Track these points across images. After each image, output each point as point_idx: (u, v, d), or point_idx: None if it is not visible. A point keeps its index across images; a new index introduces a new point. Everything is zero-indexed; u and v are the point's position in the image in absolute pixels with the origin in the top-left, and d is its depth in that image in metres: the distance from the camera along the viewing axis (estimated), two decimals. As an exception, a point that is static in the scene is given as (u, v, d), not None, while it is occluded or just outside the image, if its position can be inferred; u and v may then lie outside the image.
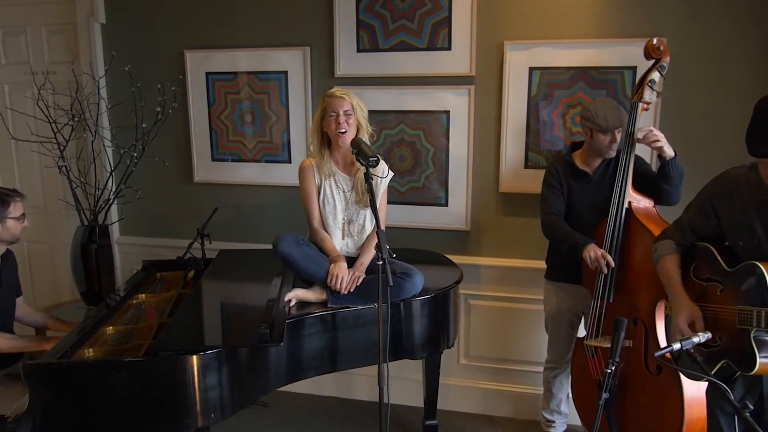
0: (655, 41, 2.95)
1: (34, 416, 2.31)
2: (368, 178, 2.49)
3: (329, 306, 2.89)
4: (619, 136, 2.99)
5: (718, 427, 2.36)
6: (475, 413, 3.94)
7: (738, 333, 2.18)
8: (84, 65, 4.09)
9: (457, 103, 3.64)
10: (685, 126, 3.35)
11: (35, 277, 4.71)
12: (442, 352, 3.29)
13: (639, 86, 2.99)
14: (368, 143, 2.86)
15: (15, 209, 2.93)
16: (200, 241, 3.55)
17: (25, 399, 2.33)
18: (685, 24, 3.29)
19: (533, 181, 3.43)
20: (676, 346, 2.03)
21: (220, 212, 3.78)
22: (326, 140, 3.10)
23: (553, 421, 3.52)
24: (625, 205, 2.93)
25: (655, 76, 2.97)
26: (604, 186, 3.06)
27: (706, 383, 2.49)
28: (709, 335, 2.10)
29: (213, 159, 4.11)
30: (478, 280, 3.79)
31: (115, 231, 4.31)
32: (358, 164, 2.94)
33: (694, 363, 2.09)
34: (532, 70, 3.50)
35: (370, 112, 3.36)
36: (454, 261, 3.55)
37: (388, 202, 3.43)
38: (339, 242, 3.12)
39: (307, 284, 3.00)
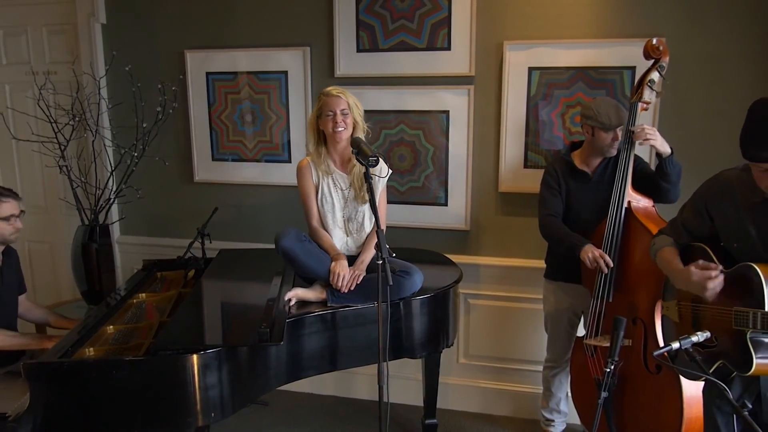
0: (654, 41, 2.96)
1: (35, 415, 2.32)
2: (368, 177, 2.50)
3: (329, 305, 2.89)
4: (620, 135, 3.00)
5: (715, 426, 2.36)
6: (474, 412, 3.95)
7: (734, 334, 2.18)
8: (85, 65, 4.10)
9: (456, 103, 3.65)
10: (684, 126, 3.36)
11: (36, 277, 4.72)
12: (441, 351, 3.29)
13: (638, 86, 3.00)
14: (367, 143, 2.87)
15: (2, 209, 2.88)
16: (200, 241, 3.56)
17: (25, 398, 2.33)
18: (684, 24, 3.29)
19: (532, 181, 3.44)
20: (675, 345, 2.03)
21: (221, 212, 3.79)
22: (322, 138, 3.11)
23: (553, 420, 3.53)
24: (625, 205, 2.93)
25: (655, 76, 2.97)
26: (603, 185, 3.07)
27: (703, 382, 2.49)
28: (708, 334, 2.10)
29: (213, 159, 4.12)
30: (478, 280, 3.80)
31: (115, 230, 4.32)
32: (354, 161, 2.95)
33: (692, 362, 2.09)
34: (531, 70, 3.51)
35: (370, 112, 3.37)
36: (453, 260, 3.55)
37: (388, 202, 3.43)
38: (339, 240, 3.13)
39: (307, 283, 3.01)
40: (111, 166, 4.10)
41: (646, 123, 3.28)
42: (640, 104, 2.96)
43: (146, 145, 3.99)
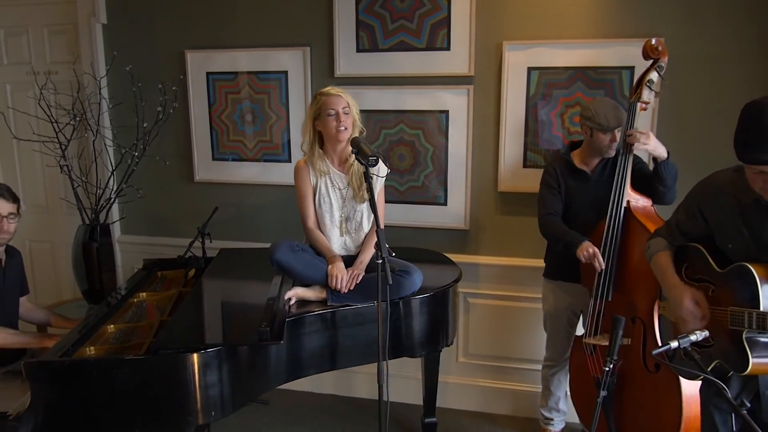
0: (653, 41, 2.96)
1: (36, 414, 2.32)
2: (368, 177, 2.50)
3: (329, 304, 2.90)
4: (619, 136, 3.00)
5: (713, 424, 2.36)
6: (474, 411, 3.96)
7: (730, 334, 2.18)
8: (85, 65, 4.11)
9: (456, 103, 3.66)
10: (683, 125, 3.37)
11: (37, 276, 4.72)
12: (441, 350, 3.29)
13: (637, 86, 3.01)
14: (366, 142, 2.87)
15: None
16: (201, 240, 3.56)
17: (26, 397, 2.33)
18: (682, 24, 3.30)
19: (532, 181, 3.44)
20: (674, 344, 2.03)
21: (221, 211, 3.79)
22: (318, 139, 3.11)
23: (552, 419, 3.53)
24: (624, 204, 2.94)
25: (654, 76, 2.98)
26: (602, 185, 3.07)
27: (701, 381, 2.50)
28: (706, 333, 2.10)
29: (213, 158, 4.13)
30: (477, 279, 3.80)
31: (116, 230, 4.33)
32: (351, 160, 2.95)
33: (691, 361, 2.09)
34: (530, 70, 3.51)
35: (370, 111, 3.38)
36: (453, 260, 3.56)
37: (387, 201, 3.44)
38: (337, 240, 3.14)
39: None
40: (112, 166, 4.11)
41: (645, 123, 3.30)
42: (638, 104, 2.97)
43: (147, 145, 4.00)
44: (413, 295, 2.99)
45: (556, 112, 3.52)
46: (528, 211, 3.55)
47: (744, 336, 2.13)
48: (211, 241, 3.61)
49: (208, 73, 4.01)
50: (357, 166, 2.97)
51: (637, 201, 2.99)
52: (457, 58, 3.61)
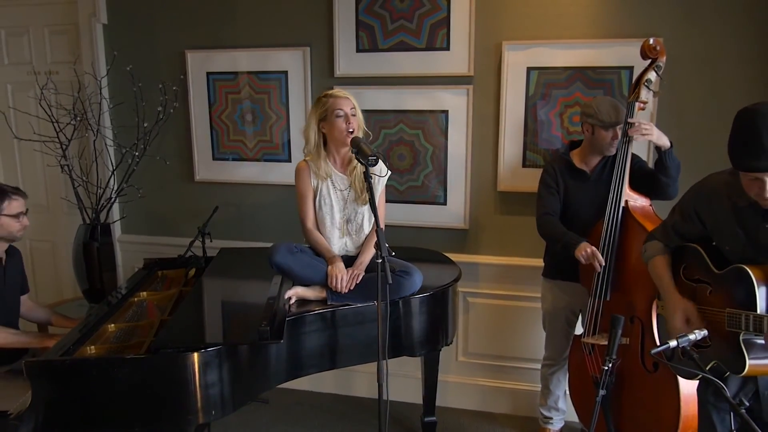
0: (651, 41, 2.96)
1: (37, 413, 2.32)
2: (368, 177, 2.50)
3: (329, 304, 2.91)
4: (620, 133, 3.01)
5: (711, 423, 2.37)
6: (473, 410, 3.97)
7: (727, 335, 2.18)
8: (86, 65, 4.12)
9: (455, 103, 3.67)
10: (681, 125, 3.37)
11: (38, 275, 4.74)
12: (440, 350, 3.30)
13: (636, 86, 3.01)
14: (366, 142, 2.88)
15: (10, 206, 2.91)
16: (201, 240, 3.57)
17: (27, 396, 2.34)
18: (681, 24, 3.30)
19: (531, 180, 3.45)
20: (673, 343, 2.03)
21: (221, 211, 3.80)
22: (322, 141, 3.10)
23: (551, 418, 3.54)
24: (622, 204, 2.95)
25: (652, 75, 2.99)
26: (601, 185, 3.08)
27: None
28: (705, 332, 2.11)
29: (214, 158, 4.14)
30: (477, 278, 3.81)
31: (116, 229, 4.34)
32: (354, 162, 2.95)
33: (690, 360, 2.10)
34: (530, 70, 3.52)
35: (370, 111, 3.39)
36: (452, 259, 3.57)
37: (387, 201, 3.45)
38: (338, 242, 3.14)
39: (308, 284, 3.03)
40: (112, 166, 4.12)
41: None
42: (637, 104, 2.97)
43: (147, 145, 4.01)
44: (413, 294, 3.00)
45: (555, 111, 3.53)
46: (527, 211, 3.55)
47: (741, 338, 2.13)
48: (211, 241, 3.62)
49: (208, 73, 4.02)
50: (360, 169, 2.97)
51: (636, 201, 2.99)
52: (456, 58, 3.61)
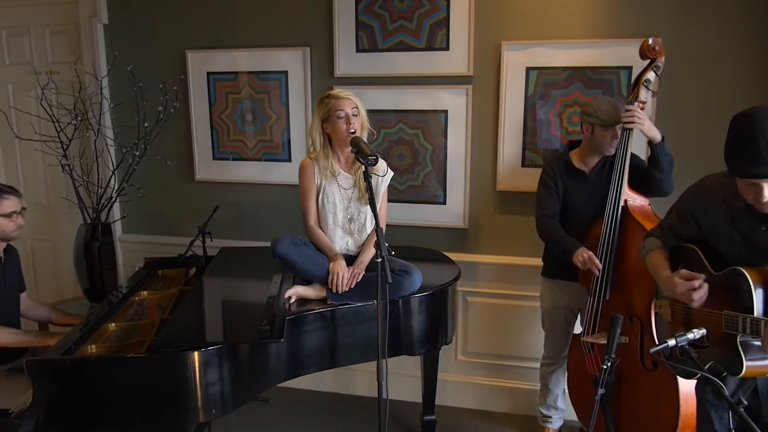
0: (650, 41, 2.97)
1: (38, 411, 2.33)
2: (367, 176, 2.50)
3: (329, 303, 2.92)
4: (619, 132, 3.01)
5: (709, 421, 2.38)
6: (472, 409, 3.97)
7: (725, 336, 2.18)
8: (87, 65, 4.12)
9: (455, 103, 3.67)
10: (680, 125, 3.38)
11: (39, 275, 4.75)
12: (440, 349, 3.32)
13: (635, 86, 3.01)
14: (366, 142, 2.89)
15: (3, 206, 2.90)
16: (201, 239, 3.57)
17: (28, 394, 2.34)
18: (680, 24, 3.31)
19: (530, 180, 3.46)
20: (671, 342, 2.03)
21: (221, 210, 3.81)
22: (327, 140, 3.12)
23: (550, 417, 3.55)
24: (621, 204, 2.95)
25: (651, 75, 2.99)
26: (600, 184, 3.09)
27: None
28: (703, 331, 2.10)
29: (214, 158, 4.15)
30: (476, 277, 3.82)
31: (117, 229, 4.35)
32: (359, 162, 2.96)
33: (689, 359, 2.09)
34: (529, 70, 3.53)
35: (370, 111, 3.39)
36: (452, 258, 3.58)
37: (387, 200, 3.45)
38: (340, 241, 3.15)
39: (307, 281, 3.03)
40: (113, 165, 4.12)
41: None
42: (636, 103, 2.97)
43: (148, 144, 4.02)
44: (413, 293, 3.01)
45: (554, 111, 3.54)
46: (526, 210, 3.56)
47: (738, 340, 2.13)
48: (211, 240, 3.63)
49: (208, 73, 4.03)
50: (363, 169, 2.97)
51: (635, 200, 3.00)
52: (456, 58, 3.62)
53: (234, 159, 4.11)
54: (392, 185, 3.78)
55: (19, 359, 2.91)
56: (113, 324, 2.87)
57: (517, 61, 3.54)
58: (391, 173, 3.22)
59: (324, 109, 3.05)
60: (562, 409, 3.55)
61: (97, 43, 4.14)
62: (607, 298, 2.98)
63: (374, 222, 3.07)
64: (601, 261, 2.94)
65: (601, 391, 2.44)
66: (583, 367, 3.17)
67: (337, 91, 3.09)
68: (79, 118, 3.91)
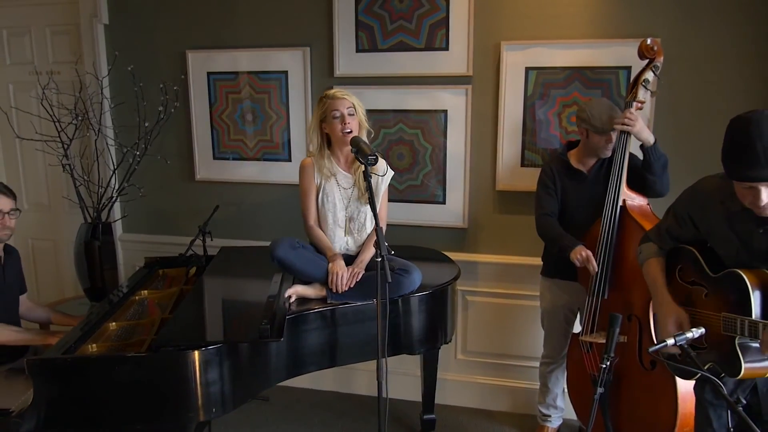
0: (648, 41, 2.97)
1: (39, 410, 2.34)
2: (367, 176, 2.51)
3: (329, 302, 2.93)
4: (614, 136, 3.02)
5: (707, 420, 2.38)
6: (472, 407, 3.98)
7: (723, 338, 2.18)
8: (87, 65, 4.13)
9: (454, 103, 3.68)
10: (679, 125, 3.39)
11: (39, 274, 4.76)
12: (439, 348, 3.32)
13: (633, 86, 3.02)
14: (367, 142, 2.90)
15: None
16: (202, 238, 3.58)
17: (29, 394, 2.35)
18: (679, 24, 3.32)
19: (529, 180, 3.47)
20: (670, 341, 2.04)
21: (222, 210, 3.82)
22: (326, 140, 3.13)
23: (549, 416, 3.56)
24: (620, 203, 2.96)
25: (649, 75, 2.99)
26: (598, 184, 3.10)
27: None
28: (702, 331, 2.10)
29: (214, 157, 4.16)
30: (476, 277, 3.83)
31: (118, 228, 4.36)
32: (359, 162, 2.97)
33: (688, 358, 2.09)
34: (528, 70, 3.54)
35: (369, 111, 3.40)
36: (451, 258, 3.59)
37: (387, 200, 3.46)
38: (340, 240, 3.16)
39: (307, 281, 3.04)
40: (113, 165, 4.13)
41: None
42: (634, 103, 2.97)
43: (148, 144, 4.03)
44: (412, 292, 3.02)
45: (553, 111, 3.55)
46: (526, 210, 3.57)
47: (737, 342, 2.13)
48: (212, 240, 3.64)
49: (208, 73, 4.04)
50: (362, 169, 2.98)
51: (633, 200, 3.00)
52: (455, 58, 3.63)
53: (234, 159, 4.12)
54: (392, 185, 3.77)
55: (19, 359, 2.91)
56: (114, 323, 2.88)
57: (516, 61, 3.54)
58: (391, 173, 3.23)
59: (321, 109, 3.06)
60: (561, 408, 3.56)
61: (97, 43, 4.14)
62: (606, 297, 2.99)
63: (374, 222, 3.11)
64: (599, 260, 2.95)
65: (600, 390, 2.43)
66: (582, 366, 3.18)
67: (334, 90, 3.09)
68: (80, 118, 3.92)
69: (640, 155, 3.18)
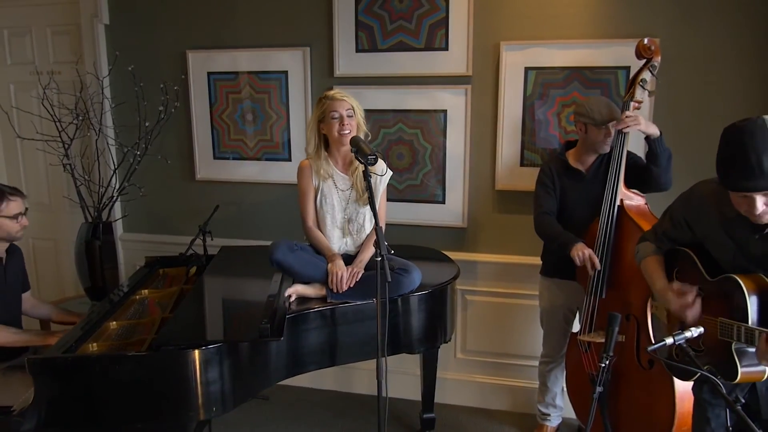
0: (646, 41, 2.98)
1: (39, 409, 2.34)
2: (367, 176, 2.51)
3: (329, 301, 2.93)
4: (613, 131, 3.03)
5: (705, 419, 2.39)
6: (471, 406, 3.99)
7: (720, 343, 2.18)
8: (88, 65, 4.14)
9: (454, 103, 3.69)
10: (678, 124, 3.39)
11: (40, 273, 4.77)
12: (439, 347, 3.33)
13: (631, 85, 3.03)
14: (366, 141, 2.90)
15: (8, 208, 2.90)
16: (202, 238, 3.58)
17: (30, 392, 2.36)
18: (677, 24, 3.32)
19: (528, 179, 3.48)
20: (669, 340, 2.04)
21: (222, 209, 3.83)
22: (323, 141, 3.14)
23: (549, 414, 3.57)
24: (617, 203, 2.97)
25: (647, 75, 3.00)
26: (597, 184, 3.10)
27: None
28: (701, 330, 2.10)
29: (214, 157, 4.16)
30: (475, 276, 3.84)
31: (118, 228, 4.37)
32: (356, 163, 2.97)
33: (687, 357, 2.09)
34: (527, 69, 3.54)
35: (369, 111, 3.41)
36: (451, 257, 3.60)
37: (387, 200, 3.47)
38: (338, 241, 3.17)
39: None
40: (114, 165, 4.14)
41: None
42: (632, 103, 2.99)
43: (149, 144, 4.04)
44: (412, 292, 3.02)
45: (552, 111, 3.56)
46: (525, 209, 3.58)
47: (733, 347, 2.13)
48: (212, 239, 3.64)
49: (209, 73, 4.05)
50: (361, 168, 2.97)
51: (631, 199, 3.01)
52: (455, 58, 3.64)
53: (234, 158, 4.12)
54: (392, 184, 3.80)
55: (20, 357, 2.91)
56: (114, 322, 2.88)
57: (515, 61, 3.55)
58: (390, 173, 3.24)
59: (320, 110, 3.07)
60: (560, 407, 3.57)
61: (98, 43, 4.15)
62: (604, 296, 3.00)
63: (373, 221, 3.12)
64: (599, 263, 2.96)
65: (598, 389, 2.43)
66: (581, 366, 3.19)
67: (334, 92, 3.10)
68: (81, 118, 3.93)
69: (639, 152, 3.20)
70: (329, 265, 2.97)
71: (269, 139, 4.03)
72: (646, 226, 2.78)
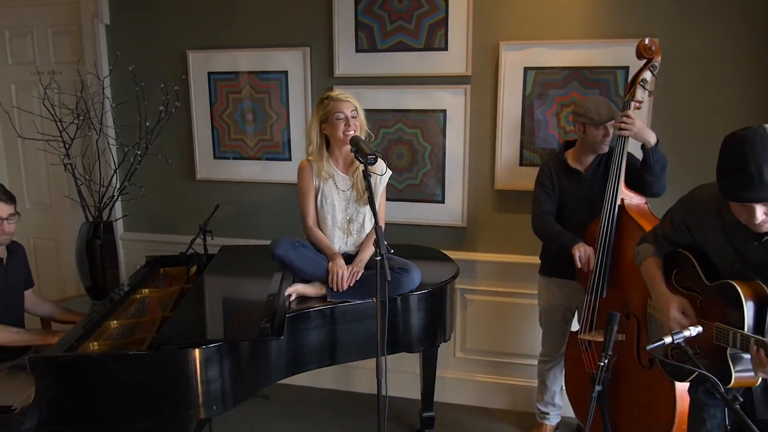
0: (646, 41, 2.98)
1: (41, 408, 2.35)
2: (367, 175, 2.51)
3: (329, 300, 2.94)
4: (611, 130, 3.04)
5: (701, 420, 2.40)
6: (471, 405, 4.00)
7: (715, 347, 2.19)
8: (89, 65, 4.15)
9: (453, 102, 3.70)
10: (677, 124, 3.40)
11: (41, 273, 4.76)
12: (438, 346, 3.34)
13: (631, 85, 3.02)
14: (366, 141, 2.91)
15: None
16: (202, 237, 3.59)
17: (31, 391, 2.36)
18: (677, 24, 3.33)
19: (528, 179, 3.48)
20: (668, 339, 2.03)
21: (222, 209, 3.84)
22: (324, 141, 3.14)
23: (548, 413, 3.58)
24: (618, 202, 2.97)
25: (647, 75, 3.00)
26: (596, 184, 3.11)
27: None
28: (700, 329, 2.07)
29: (215, 157, 4.17)
30: (474, 275, 3.85)
31: (119, 227, 4.37)
32: (357, 163, 2.97)
33: (685, 356, 2.08)
34: (526, 69, 3.55)
35: (369, 111, 3.41)
36: (450, 256, 3.60)
37: (387, 200, 3.47)
38: (339, 241, 3.18)
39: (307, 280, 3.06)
40: (115, 164, 4.14)
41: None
42: (632, 103, 2.98)
43: (149, 144, 4.04)
44: (411, 291, 3.03)
45: (552, 111, 3.56)
46: (524, 209, 3.57)
47: (728, 353, 2.14)
48: (212, 238, 3.64)
49: (209, 73, 4.05)
50: (362, 168, 2.98)
51: (632, 199, 3.01)
52: (454, 58, 3.65)
53: (234, 158, 4.13)
54: (391, 184, 3.80)
55: (22, 356, 2.92)
56: (115, 321, 2.89)
57: (514, 61, 3.56)
58: (389, 172, 3.25)
59: (323, 110, 3.07)
60: (559, 405, 3.58)
61: (99, 43, 4.16)
62: (604, 295, 3.00)
63: (373, 221, 3.12)
64: (598, 259, 2.96)
65: (598, 388, 2.44)
66: (580, 365, 3.20)
67: (337, 93, 3.10)
68: (81, 118, 3.94)
69: (639, 155, 3.20)
70: (330, 263, 2.98)
71: (269, 139, 4.04)
72: (647, 226, 2.78)
